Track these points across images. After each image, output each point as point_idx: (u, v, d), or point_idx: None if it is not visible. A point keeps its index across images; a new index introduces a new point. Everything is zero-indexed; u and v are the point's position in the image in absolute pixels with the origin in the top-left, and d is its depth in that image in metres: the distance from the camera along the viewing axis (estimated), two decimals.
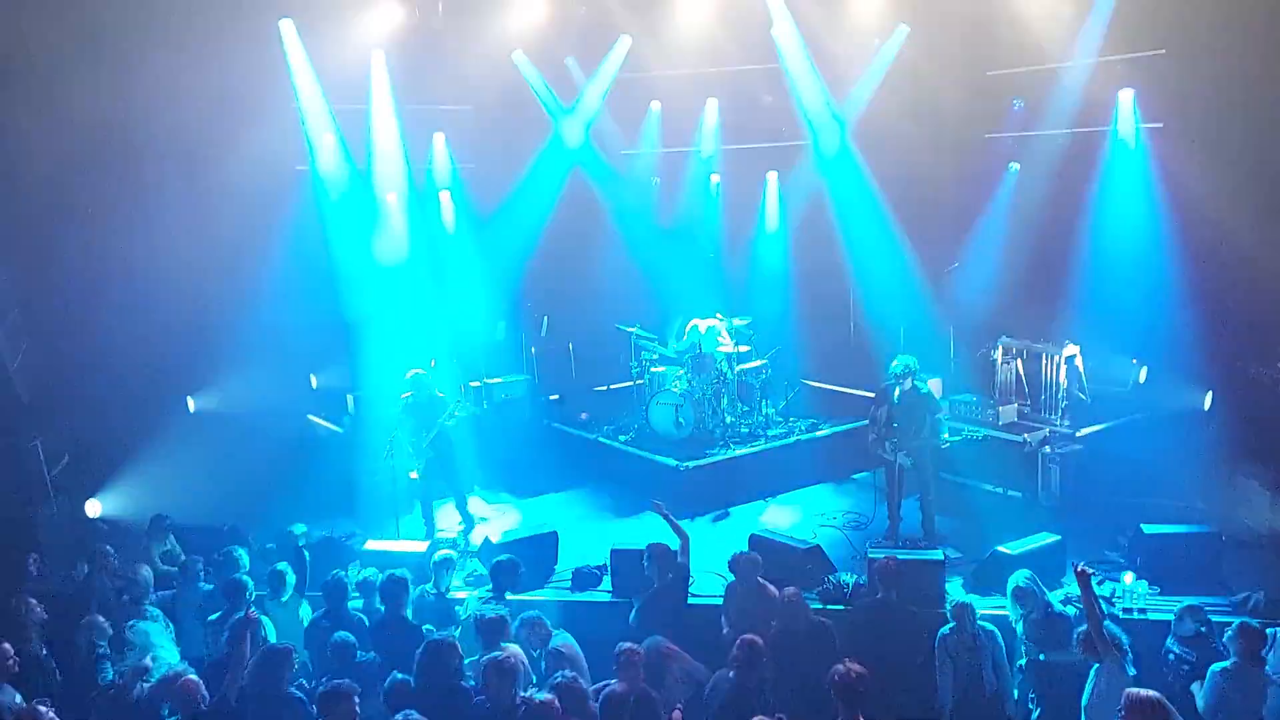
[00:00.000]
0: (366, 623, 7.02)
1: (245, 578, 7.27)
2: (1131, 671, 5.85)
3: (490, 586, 7.42)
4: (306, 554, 8.45)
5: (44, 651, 6.70)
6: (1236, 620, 6.14)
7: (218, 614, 7.06)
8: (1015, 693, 6.62)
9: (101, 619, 6.92)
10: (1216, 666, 5.92)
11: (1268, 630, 6.11)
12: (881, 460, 9.23)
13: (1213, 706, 5.82)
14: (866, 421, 9.56)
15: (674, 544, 7.46)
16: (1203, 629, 6.49)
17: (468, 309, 13.02)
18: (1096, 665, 5.89)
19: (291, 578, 7.53)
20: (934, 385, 11.18)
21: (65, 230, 10.16)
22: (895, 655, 6.68)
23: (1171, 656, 6.47)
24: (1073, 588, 7.74)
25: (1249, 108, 10.15)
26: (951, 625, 6.66)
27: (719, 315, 11.94)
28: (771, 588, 7.13)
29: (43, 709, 5.46)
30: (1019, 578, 6.81)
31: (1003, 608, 7.10)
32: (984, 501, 9.92)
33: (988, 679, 6.50)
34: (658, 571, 7.23)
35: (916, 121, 12.39)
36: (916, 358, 9.21)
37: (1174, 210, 10.92)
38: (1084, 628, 6.04)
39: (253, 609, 6.66)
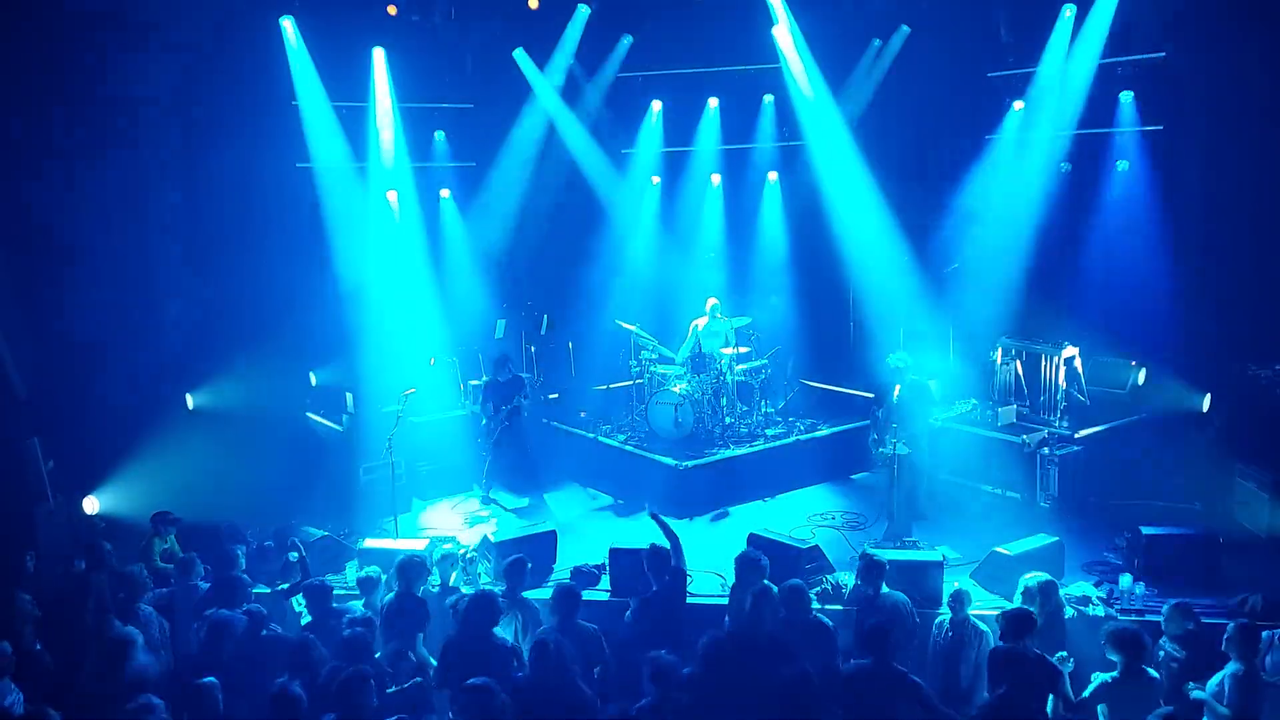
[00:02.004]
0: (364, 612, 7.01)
1: (243, 575, 7.27)
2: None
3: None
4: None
5: (37, 646, 6.68)
6: (1232, 624, 6.11)
7: (211, 611, 7.02)
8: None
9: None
10: (1230, 669, 5.89)
11: (1263, 633, 6.11)
12: (882, 460, 9.23)
13: (1238, 707, 5.80)
14: (868, 422, 9.54)
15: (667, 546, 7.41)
16: (1191, 626, 6.49)
17: (468, 308, 13.00)
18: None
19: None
20: (933, 386, 11.21)
21: (64, 225, 10.14)
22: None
23: (1162, 654, 6.45)
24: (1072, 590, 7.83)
25: (1248, 110, 10.16)
26: (945, 614, 6.67)
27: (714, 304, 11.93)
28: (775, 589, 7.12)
29: None
30: (1032, 580, 6.76)
31: (999, 608, 7.09)
32: (983, 502, 9.92)
33: (964, 673, 6.51)
34: (654, 574, 7.21)
35: (917, 121, 12.39)
36: (908, 354, 9.23)
37: (1174, 212, 10.93)
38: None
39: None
